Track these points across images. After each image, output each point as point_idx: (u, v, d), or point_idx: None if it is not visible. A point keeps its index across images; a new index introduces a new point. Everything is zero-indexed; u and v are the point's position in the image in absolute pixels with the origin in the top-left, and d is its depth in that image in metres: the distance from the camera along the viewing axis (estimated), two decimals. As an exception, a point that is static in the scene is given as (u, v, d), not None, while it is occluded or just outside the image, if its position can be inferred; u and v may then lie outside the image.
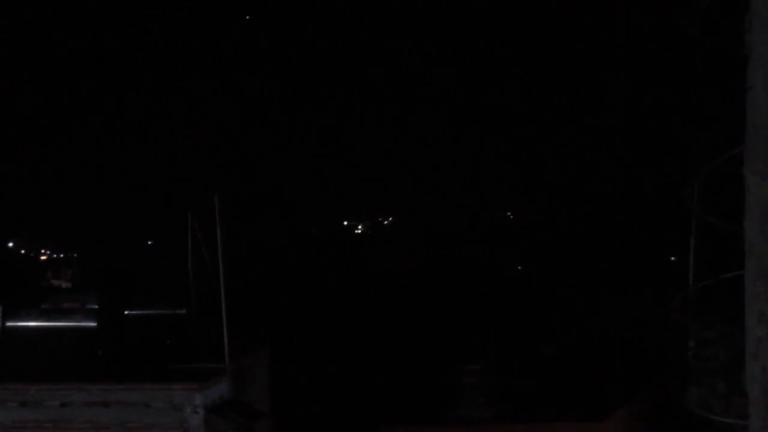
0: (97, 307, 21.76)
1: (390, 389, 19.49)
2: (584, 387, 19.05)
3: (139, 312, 20.68)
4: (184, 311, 19.70)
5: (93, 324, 20.47)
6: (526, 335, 22.21)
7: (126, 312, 20.83)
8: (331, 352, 20.12)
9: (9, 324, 20.81)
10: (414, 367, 20.49)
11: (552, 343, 21.83)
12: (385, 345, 20.89)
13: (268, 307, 19.90)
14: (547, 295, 23.44)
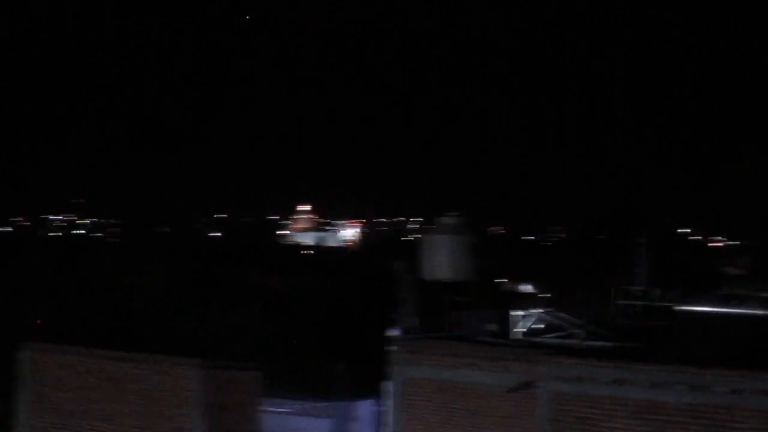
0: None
1: None
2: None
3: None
4: None
5: (764, 312, 20.24)
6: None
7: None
8: None
9: (683, 308, 21.29)
10: None
11: None
12: None
13: None
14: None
